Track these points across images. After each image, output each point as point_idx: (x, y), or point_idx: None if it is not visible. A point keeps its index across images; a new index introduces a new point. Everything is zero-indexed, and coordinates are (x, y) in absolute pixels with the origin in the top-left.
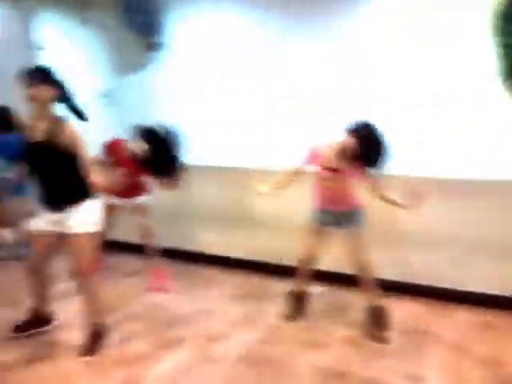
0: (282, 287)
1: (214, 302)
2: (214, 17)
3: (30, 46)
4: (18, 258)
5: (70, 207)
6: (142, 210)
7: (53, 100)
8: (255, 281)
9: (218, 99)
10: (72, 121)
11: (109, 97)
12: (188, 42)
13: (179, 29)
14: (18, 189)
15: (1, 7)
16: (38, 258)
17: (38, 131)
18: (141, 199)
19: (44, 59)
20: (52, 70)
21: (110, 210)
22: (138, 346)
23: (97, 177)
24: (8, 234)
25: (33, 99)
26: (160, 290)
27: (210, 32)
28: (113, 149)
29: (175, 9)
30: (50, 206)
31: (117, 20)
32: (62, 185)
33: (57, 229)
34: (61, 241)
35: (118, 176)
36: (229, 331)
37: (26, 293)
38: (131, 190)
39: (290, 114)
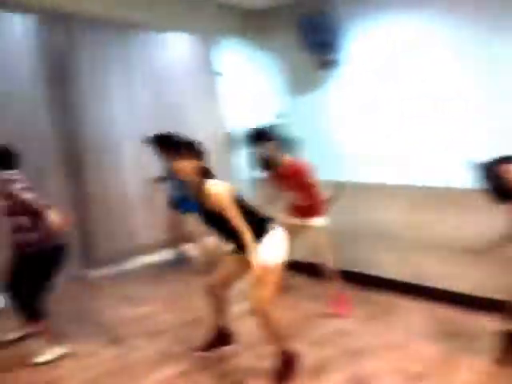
0: (482, 322)
1: (402, 335)
2: (391, 31)
3: (211, 72)
4: (200, 272)
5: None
6: (317, 231)
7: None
8: (449, 314)
9: (394, 115)
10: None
11: (285, 117)
12: (363, 57)
13: (354, 45)
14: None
15: (187, 35)
16: (219, 280)
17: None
18: (316, 221)
19: (223, 84)
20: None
21: (291, 230)
22: (336, 378)
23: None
24: (191, 249)
25: None
26: (340, 315)
27: (385, 47)
28: (292, 170)
29: (351, 25)
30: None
31: (294, 41)
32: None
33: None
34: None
35: (293, 198)
36: (428, 371)
37: (206, 310)
38: (308, 211)
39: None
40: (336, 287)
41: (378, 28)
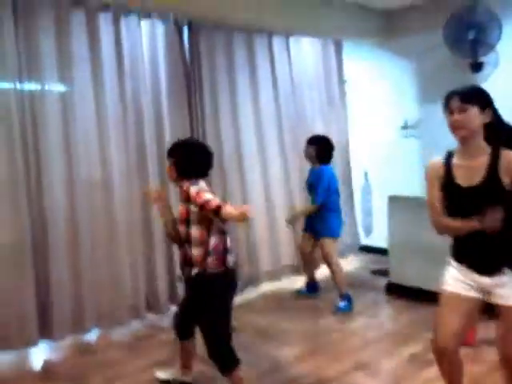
0: None
1: None
2: None
3: (340, 80)
4: None
5: (508, 270)
6: None
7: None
8: None
9: None
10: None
11: (413, 128)
12: None
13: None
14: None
15: (316, 39)
16: (451, 327)
17: (468, 171)
18: None
19: (348, 91)
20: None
21: None
22: None
23: None
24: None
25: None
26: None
27: None
28: None
29: (507, 21)
30: (474, 264)
31: (438, 42)
32: (504, 240)
33: (481, 296)
34: (480, 310)
35: None
36: None
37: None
38: None
39: None
40: None
41: None
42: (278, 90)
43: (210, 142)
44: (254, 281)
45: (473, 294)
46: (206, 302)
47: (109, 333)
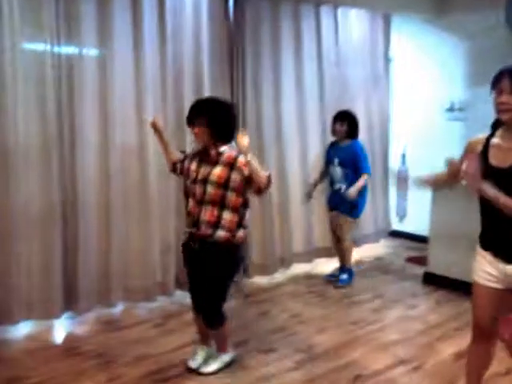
0: None
1: None
2: None
3: (386, 57)
4: None
5: None
6: None
7: None
8: None
9: None
10: None
11: (460, 111)
12: None
13: None
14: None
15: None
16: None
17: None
18: None
19: (394, 70)
20: None
21: None
22: None
23: None
24: None
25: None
26: None
27: None
28: None
29: None
30: (500, 253)
31: (499, 20)
32: None
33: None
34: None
35: None
36: None
37: None
38: None
39: None
40: None
41: None
42: (323, 64)
43: (250, 115)
44: (285, 262)
45: (499, 285)
46: (223, 266)
47: (136, 308)
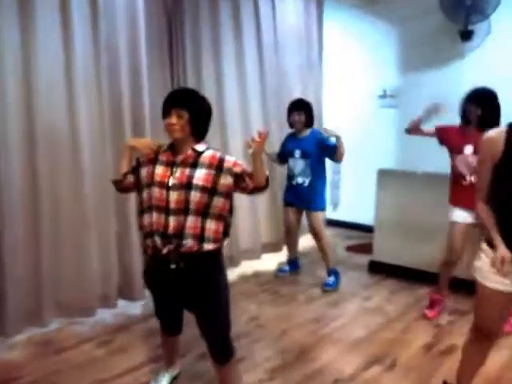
0: None
1: None
2: None
3: (319, 43)
4: None
5: None
6: None
7: None
8: None
9: None
10: None
11: (392, 97)
12: None
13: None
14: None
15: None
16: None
17: None
18: None
19: (326, 57)
20: None
21: None
22: None
23: None
24: None
25: None
26: None
27: None
28: None
29: None
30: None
31: (427, 7)
32: None
33: None
34: None
35: None
36: None
37: None
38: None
39: None
40: None
41: None
42: (262, 46)
43: None
44: (233, 260)
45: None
46: (215, 286)
47: (74, 325)
